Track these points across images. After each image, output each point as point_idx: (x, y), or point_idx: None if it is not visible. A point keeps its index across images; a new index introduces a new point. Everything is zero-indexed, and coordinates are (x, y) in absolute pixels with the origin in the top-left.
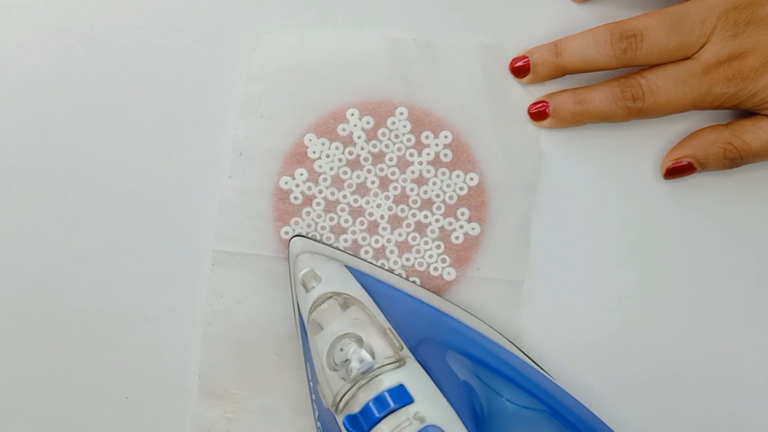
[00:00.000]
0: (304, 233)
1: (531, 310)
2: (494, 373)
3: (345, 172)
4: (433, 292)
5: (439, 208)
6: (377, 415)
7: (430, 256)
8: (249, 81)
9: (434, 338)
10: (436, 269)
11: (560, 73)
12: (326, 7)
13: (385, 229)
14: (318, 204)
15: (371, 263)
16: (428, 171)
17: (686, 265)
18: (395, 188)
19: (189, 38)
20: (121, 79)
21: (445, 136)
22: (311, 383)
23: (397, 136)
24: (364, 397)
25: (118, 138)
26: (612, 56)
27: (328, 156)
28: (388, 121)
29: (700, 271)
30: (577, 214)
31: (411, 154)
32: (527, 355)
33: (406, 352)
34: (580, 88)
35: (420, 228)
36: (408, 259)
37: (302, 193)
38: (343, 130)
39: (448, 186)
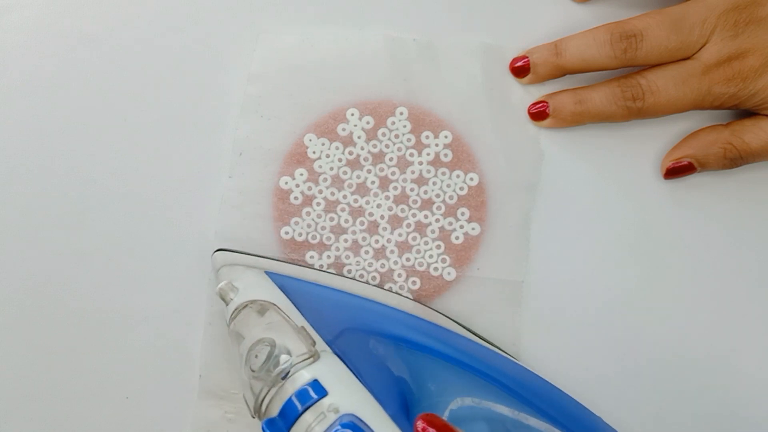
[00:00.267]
0: (227, 247)
1: (531, 310)
2: (420, 352)
3: (345, 172)
4: (433, 292)
5: (439, 208)
6: (294, 412)
7: (431, 256)
8: (249, 81)
9: (356, 327)
10: (436, 269)
11: (560, 73)
12: (326, 7)
13: (385, 229)
14: (318, 204)
15: (299, 264)
16: (428, 171)
17: (686, 265)
18: (395, 188)
19: (189, 38)
20: (121, 79)
21: (445, 136)
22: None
23: (397, 136)
24: (281, 399)
25: (118, 138)
26: (612, 56)
27: (328, 156)
28: (388, 121)
29: (700, 271)
30: (577, 214)
31: (411, 154)
32: (472, 332)
33: (321, 345)
34: (580, 88)
35: (420, 228)
36: (408, 259)
37: (302, 193)
38: (343, 130)
39: (448, 186)
